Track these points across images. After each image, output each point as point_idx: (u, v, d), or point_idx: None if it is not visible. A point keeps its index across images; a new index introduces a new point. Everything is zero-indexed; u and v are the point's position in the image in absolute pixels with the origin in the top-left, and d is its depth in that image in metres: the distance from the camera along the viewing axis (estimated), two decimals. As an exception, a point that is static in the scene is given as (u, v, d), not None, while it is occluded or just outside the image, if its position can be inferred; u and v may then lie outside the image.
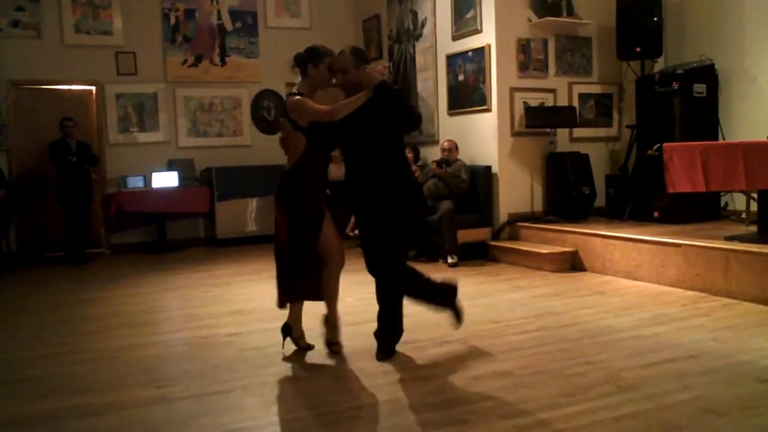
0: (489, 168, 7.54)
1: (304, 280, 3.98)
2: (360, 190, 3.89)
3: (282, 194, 3.96)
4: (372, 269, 3.90)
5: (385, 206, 3.80)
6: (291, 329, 4.09)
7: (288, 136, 3.96)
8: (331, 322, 4.10)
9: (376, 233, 3.85)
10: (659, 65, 7.69)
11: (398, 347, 4.03)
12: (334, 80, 3.92)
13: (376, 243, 3.86)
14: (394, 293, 3.94)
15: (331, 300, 4.08)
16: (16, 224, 8.64)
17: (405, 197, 3.86)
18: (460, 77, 7.99)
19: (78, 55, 8.93)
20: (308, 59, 3.95)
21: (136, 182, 9.04)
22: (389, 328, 3.99)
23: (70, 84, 9.06)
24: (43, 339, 4.74)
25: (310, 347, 4.11)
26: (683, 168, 5.59)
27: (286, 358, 4.01)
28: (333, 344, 4.08)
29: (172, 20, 9.46)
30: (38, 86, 8.90)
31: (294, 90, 3.97)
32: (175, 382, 3.70)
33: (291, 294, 4.05)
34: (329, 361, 3.93)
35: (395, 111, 3.72)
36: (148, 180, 9.07)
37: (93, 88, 9.14)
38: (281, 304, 4.11)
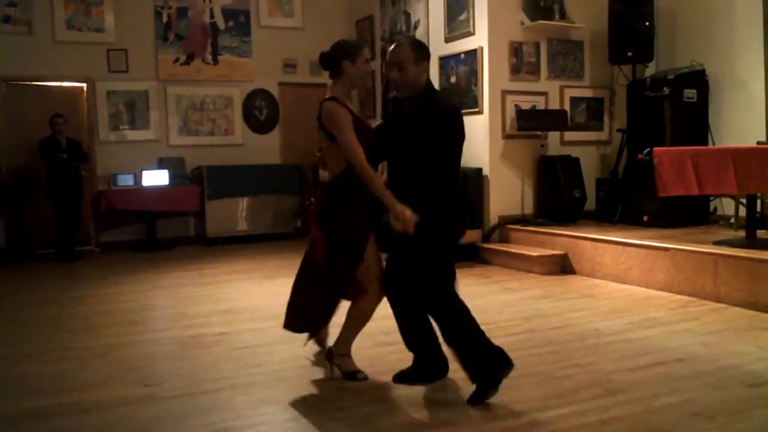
0: (480, 170, 7.55)
1: (330, 307, 3.54)
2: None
3: (321, 212, 3.43)
4: (390, 288, 3.46)
5: (423, 229, 3.16)
6: (331, 353, 3.64)
7: (326, 148, 3.46)
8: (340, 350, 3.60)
9: (411, 258, 3.31)
10: (650, 70, 7.72)
11: (387, 348, 3.97)
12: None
13: (408, 268, 3.35)
14: (420, 313, 3.45)
15: (349, 331, 3.55)
16: (5, 221, 8.59)
17: (445, 219, 3.30)
18: (453, 79, 8.00)
19: (69, 52, 8.87)
20: (343, 55, 3.40)
21: (126, 180, 8.99)
22: (420, 357, 3.57)
23: (61, 81, 9.00)
24: (31, 336, 4.71)
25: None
26: (674, 172, 5.62)
27: (277, 359, 4.00)
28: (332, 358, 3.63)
29: (165, 18, 9.42)
30: (29, 82, 8.84)
31: (327, 95, 3.43)
32: (164, 380, 3.69)
33: (317, 322, 3.62)
34: (318, 362, 3.90)
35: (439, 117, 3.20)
36: (138, 178, 9.02)
37: (84, 85, 9.08)
38: (307, 330, 3.67)
